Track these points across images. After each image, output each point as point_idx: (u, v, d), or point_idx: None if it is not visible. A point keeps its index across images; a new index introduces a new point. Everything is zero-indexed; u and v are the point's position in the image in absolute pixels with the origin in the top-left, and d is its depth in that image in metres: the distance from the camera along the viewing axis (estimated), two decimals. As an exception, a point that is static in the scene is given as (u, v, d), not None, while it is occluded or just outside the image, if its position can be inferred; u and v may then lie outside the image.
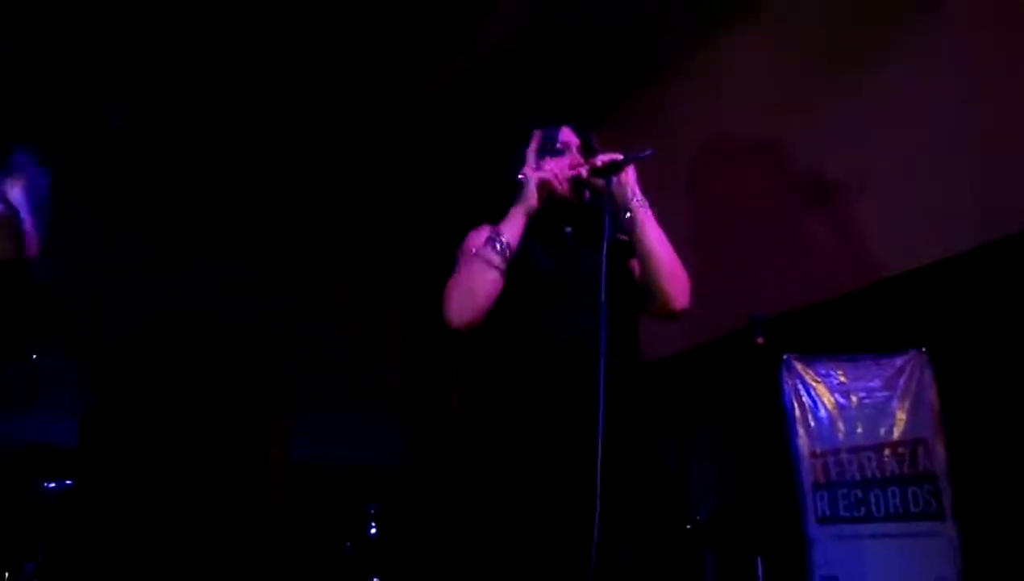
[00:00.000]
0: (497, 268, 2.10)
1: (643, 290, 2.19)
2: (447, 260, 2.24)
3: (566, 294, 2.13)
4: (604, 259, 2.03)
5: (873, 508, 3.53)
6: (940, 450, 3.41)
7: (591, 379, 1.90)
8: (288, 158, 6.10)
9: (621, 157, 2.16)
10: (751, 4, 4.66)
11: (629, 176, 2.18)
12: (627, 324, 2.18)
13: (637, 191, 2.18)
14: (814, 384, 3.74)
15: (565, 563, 1.86)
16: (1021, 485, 3.21)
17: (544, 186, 2.18)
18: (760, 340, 3.81)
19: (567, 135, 2.34)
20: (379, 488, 5.46)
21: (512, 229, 2.14)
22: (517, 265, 2.14)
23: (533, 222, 2.19)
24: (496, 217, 2.19)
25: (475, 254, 2.13)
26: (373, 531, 5.15)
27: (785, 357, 3.83)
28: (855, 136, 4.04)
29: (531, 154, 2.24)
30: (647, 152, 2.15)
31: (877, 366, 3.65)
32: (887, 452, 3.55)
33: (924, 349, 3.56)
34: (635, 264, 2.24)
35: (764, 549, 3.69)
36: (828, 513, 3.63)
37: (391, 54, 5.36)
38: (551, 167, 2.25)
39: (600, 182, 2.17)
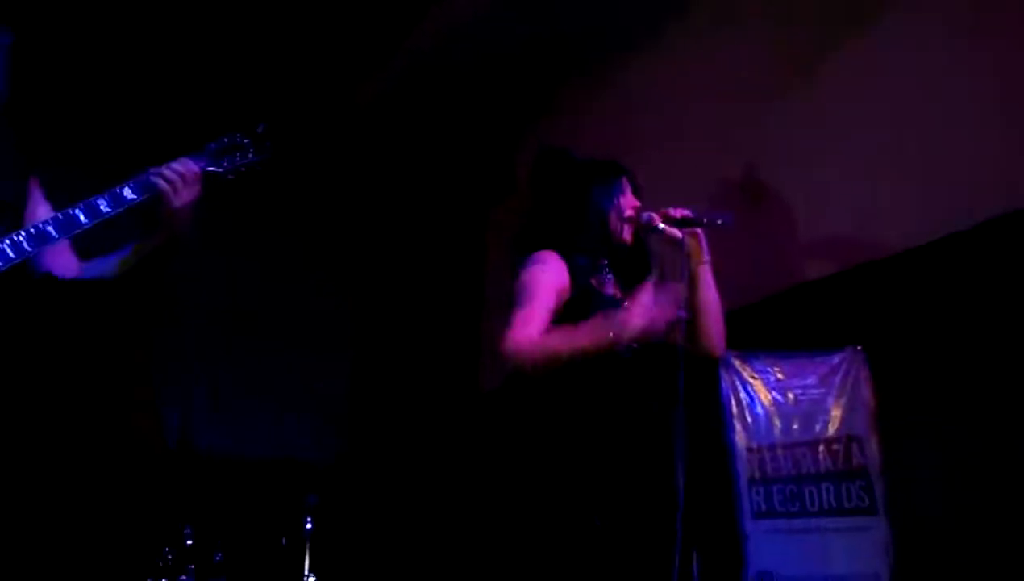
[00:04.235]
0: None
1: (689, 336, 2.39)
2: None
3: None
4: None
5: (807, 503, 3.57)
6: (874, 447, 3.46)
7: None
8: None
9: (692, 214, 2.36)
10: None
11: (702, 234, 2.39)
12: None
13: (707, 250, 2.41)
14: (751, 381, 3.77)
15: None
16: (951, 481, 3.27)
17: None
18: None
19: (625, 185, 2.53)
20: (316, 481, 5.33)
21: None
22: (588, 291, 2.37)
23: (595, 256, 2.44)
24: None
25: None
26: (309, 526, 5.04)
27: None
28: (789, 140, 4.07)
29: None
30: (727, 219, 2.38)
31: (813, 364, 3.69)
32: (822, 448, 3.59)
33: (860, 347, 3.61)
34: None
35: (700, 543, 3.69)
36: (764, 508, 3.66)
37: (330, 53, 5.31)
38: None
39: (674, 231, 2.35)
